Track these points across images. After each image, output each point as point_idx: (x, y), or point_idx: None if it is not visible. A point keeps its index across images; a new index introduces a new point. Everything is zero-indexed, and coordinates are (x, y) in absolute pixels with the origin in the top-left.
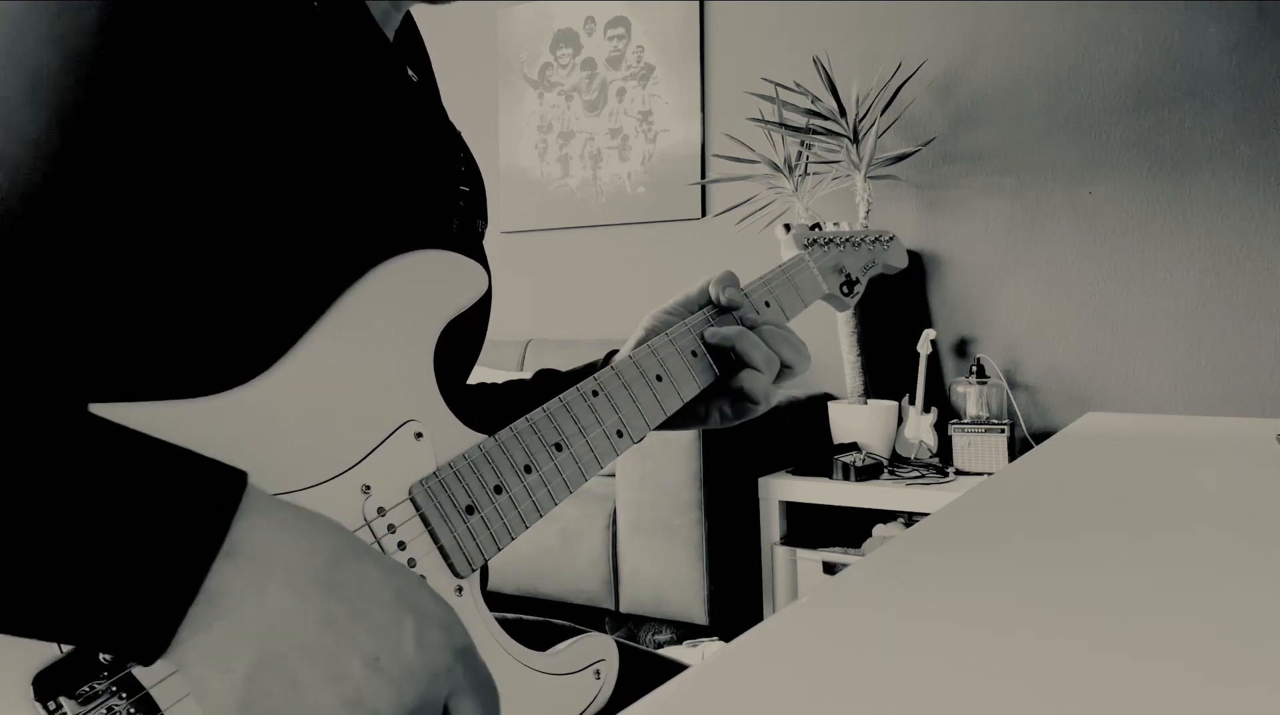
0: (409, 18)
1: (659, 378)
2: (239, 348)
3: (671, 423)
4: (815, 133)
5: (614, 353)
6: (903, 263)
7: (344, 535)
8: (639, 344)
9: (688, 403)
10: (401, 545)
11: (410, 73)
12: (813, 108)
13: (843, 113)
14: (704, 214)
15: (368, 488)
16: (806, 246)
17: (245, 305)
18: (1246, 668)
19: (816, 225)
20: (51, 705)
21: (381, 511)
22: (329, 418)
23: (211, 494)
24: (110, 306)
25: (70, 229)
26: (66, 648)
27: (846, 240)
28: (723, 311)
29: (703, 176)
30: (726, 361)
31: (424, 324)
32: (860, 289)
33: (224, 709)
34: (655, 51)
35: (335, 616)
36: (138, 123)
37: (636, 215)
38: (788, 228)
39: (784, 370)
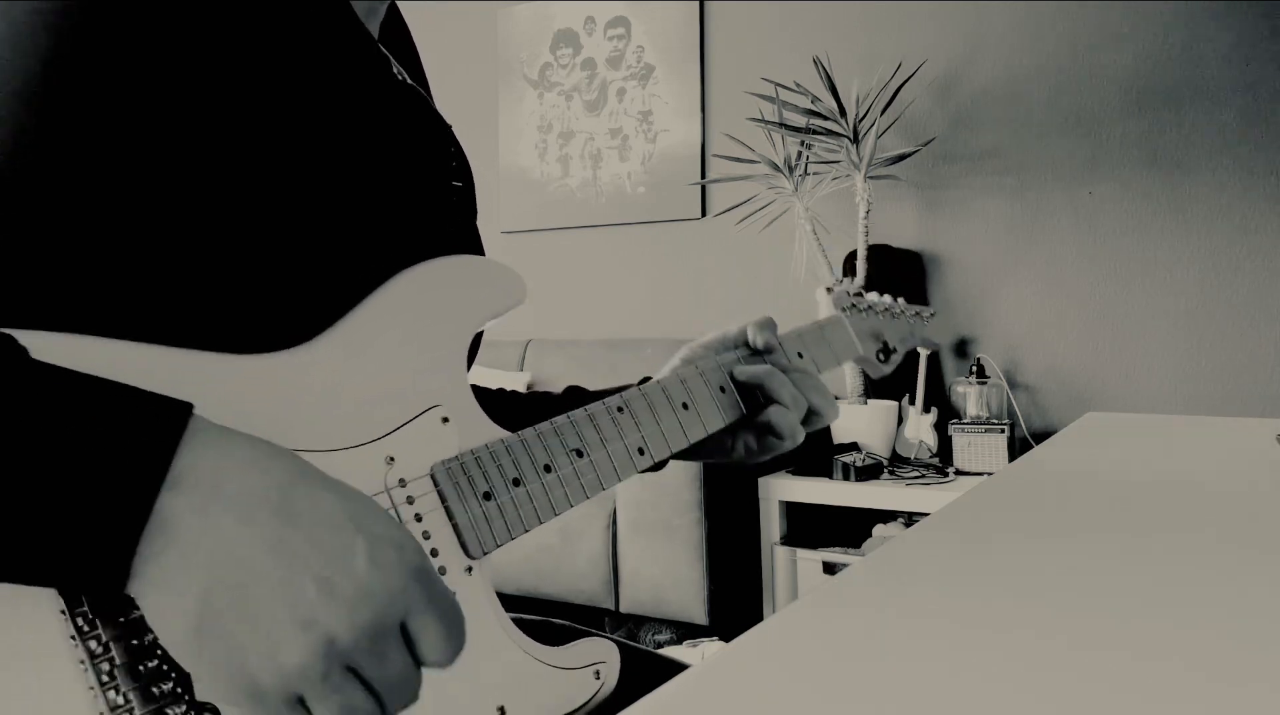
0: (394, 11)
1: (685, 406)
2: (255, 314)
3: (699, 454)
4: (815, 133)
5: (647, 379)
6: (938, 343)
7: (296, 462)
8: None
9: (717, 435)
10: (418, 517)
11: (396, 68)
12: (813, 108)
13: (843, 113)
14: (704, 214)
15: (391, 459)
16: (845, 310)
17: (239, 296)
18: (1246, 668)
19: (860, 293)
20: (85, 626)
21: (403, 482)
22: (364, 390)
23: (153, 425)
24: (160, 265)
25: (66, 221)
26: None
27: (885, 310)
28: (756, 354)
29: (703, 176)
30: (754, 401)
31: (463, 323)
32: (897, 359)
33: (181, 633)
34: (655, 51)
35: (286, 540)
36: (121, 122)
37: (636, 215)
38: (829, 290)
39: (812, 417)
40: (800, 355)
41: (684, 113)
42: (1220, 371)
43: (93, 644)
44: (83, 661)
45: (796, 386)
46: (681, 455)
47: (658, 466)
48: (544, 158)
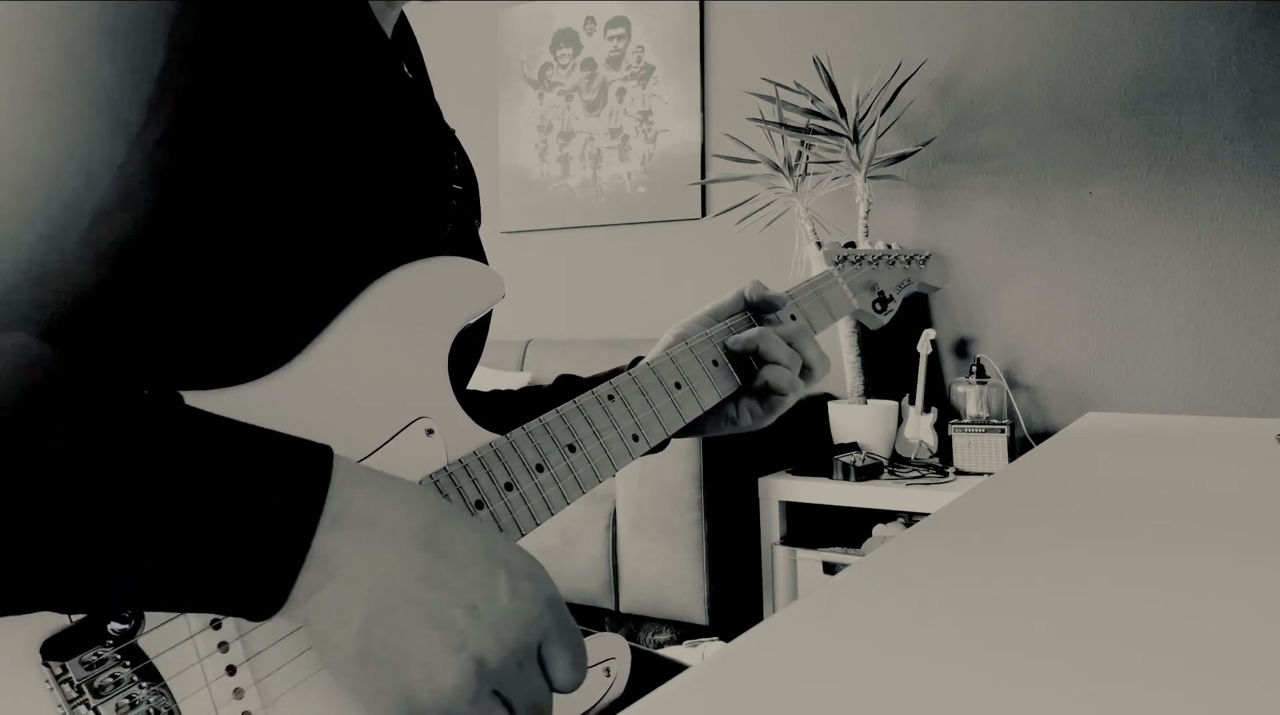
0: (404, 19)
1: (678, 386)
2: (233, 345)
3: (704, 428)
4: (815, 133)
5: (639, 359)
6: (943, 281)
7: (437, 500)
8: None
9: (718, 406)
10: None
11: (406, 70)
12: (813, 108)
13: (843, 113)
14: (704, 214)
15: None
16: (837, 263)
17: (241, 303)
18: (1248, 666)
19: (851, 243)
20: (58, 669)
21: None
22: (342, 412)
23: (304, 468)
24: (120, 304)
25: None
26: (76, 615)
27: (879, 258)
28: (750, 322)
29: (703, 176)
30: (749, 368)
31: (440, 327)
32: (894, 307)
33: (346, 659)
34: (655, 51)
35: (436, 571)
36: (138, 124)
37: (636, 215)
38: (820, 244)
39: (806, 371)
40: (794, 317)
41: (684, 113)
42: (1220, 371)
43: (67, 687)
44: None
45: (789, 341)
46: (686, 432)
47: (658, 448)
48: (544, 158)
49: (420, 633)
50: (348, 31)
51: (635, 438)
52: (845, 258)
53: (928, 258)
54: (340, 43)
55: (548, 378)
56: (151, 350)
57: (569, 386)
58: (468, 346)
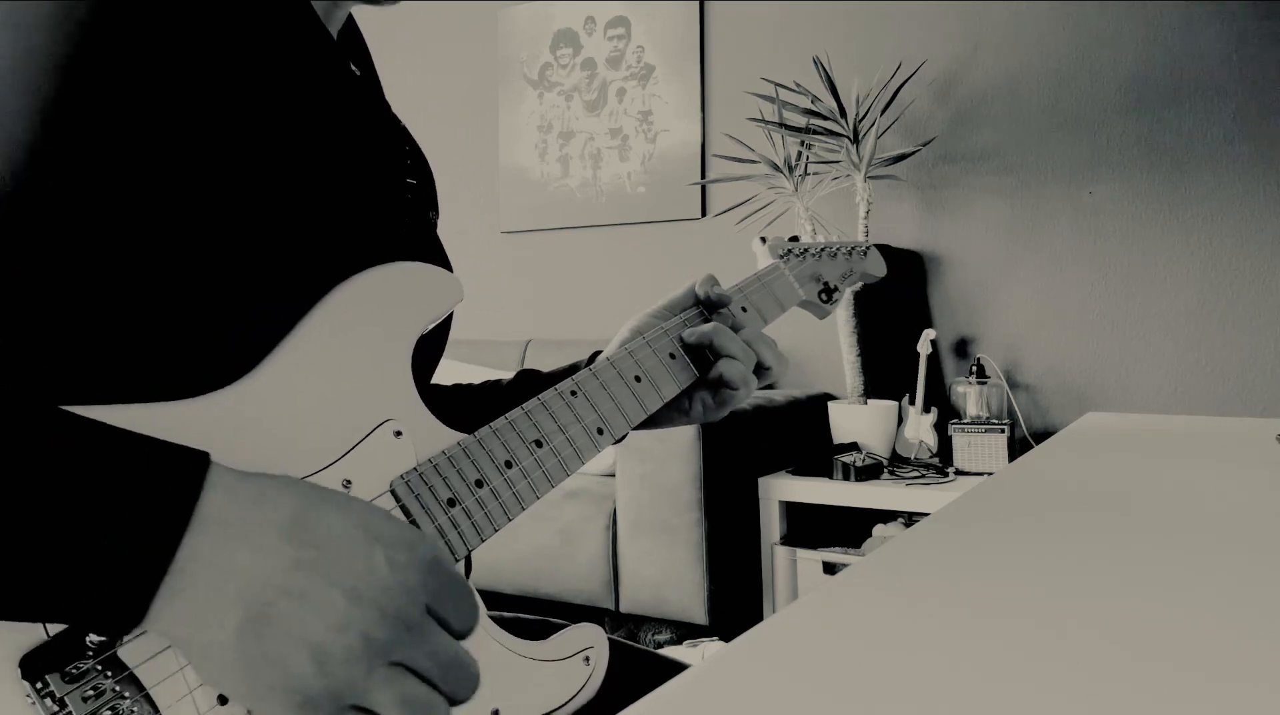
0: (352, 21)
1: (637, 378)
2: (193, 355)
3: (658, 421)
4: (815, 133)
5: (598, 353)
6: (881, 271)
7: (304, 490)
8: (621, 346)
9: (673, 399)
10: None
11: (354, 68)
12: (813, 108)
13: (843, 113)
14: (704, 214)
15: (348, 482)
16: (782, 256)
17: (200, 312)
18: (1246, 667)
19: (794, 238)
20: (39, 685)
21: None
22: (310, 417)
23: (178, 472)
24: (81, 312)
25: (32, 232)
26: (54, 629)
27: (822, 250)
28: (703, 316)
29: (703, 176)
30: (705, 360)
31: (401, 332)
32: (840, 297)
33: (227, 665)
34: (655, 51)
35: (305, 560)
36: (81, 127)
37: (636, 215)
38: (764, 240)
39: (763, 371)
40: (744, 309)
41: (684, 113)
42: (1220, 371)
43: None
44: None
45: (745, 340)
46: (642, 424)
47: (619, 439)
48: (544, 158)
49: (299, 622)
50: (289, 32)
51: (600, 431)
52: (790, 251)
53: (867, 249)
54: (281, 43)
55: None
56: (109, 362)
57: (529, 381)
58: (429, 347)
